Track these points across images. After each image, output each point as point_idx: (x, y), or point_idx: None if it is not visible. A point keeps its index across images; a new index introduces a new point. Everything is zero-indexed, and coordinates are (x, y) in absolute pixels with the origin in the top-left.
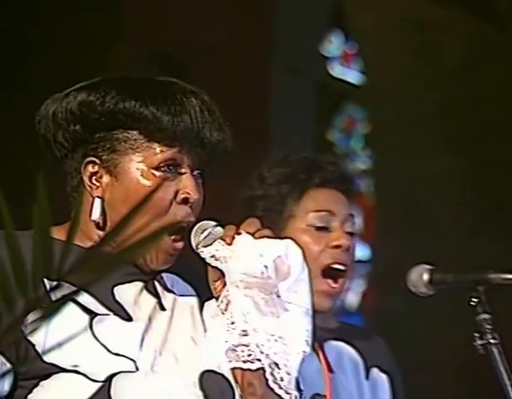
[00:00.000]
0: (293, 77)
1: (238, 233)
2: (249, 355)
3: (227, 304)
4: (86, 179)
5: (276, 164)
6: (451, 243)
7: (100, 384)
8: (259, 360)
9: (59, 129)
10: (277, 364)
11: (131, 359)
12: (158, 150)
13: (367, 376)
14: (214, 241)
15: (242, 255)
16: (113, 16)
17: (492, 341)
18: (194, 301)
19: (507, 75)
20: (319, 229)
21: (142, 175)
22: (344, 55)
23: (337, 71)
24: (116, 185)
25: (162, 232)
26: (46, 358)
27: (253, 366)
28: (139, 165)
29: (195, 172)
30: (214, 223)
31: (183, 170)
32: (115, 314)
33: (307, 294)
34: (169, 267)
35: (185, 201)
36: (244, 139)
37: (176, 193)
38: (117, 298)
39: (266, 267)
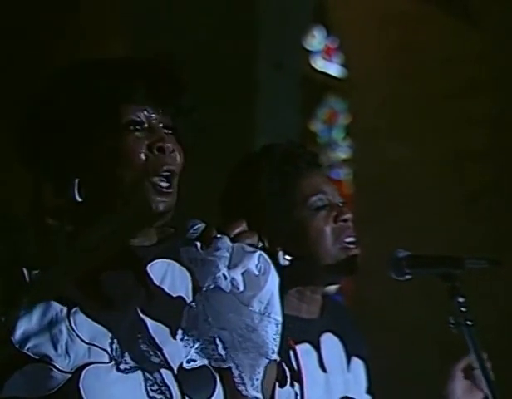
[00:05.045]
0: (278, 71)
1: (221, 233)
2: (220, 355)
3: (199, 304)
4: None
5: (259, 170)
6: (429, 229)
7: (68, 375)
8: (227, 361)
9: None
10: (243, 368)
11: (105, 350)
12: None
13: (348, 368)
14: (195, 240)
15: (210, 263)
16: (107, 14)
17: (467, 323)
18: (185, 290)
19: (481, 68)
20: (319, 208)
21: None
22: (326, 49)
23: (320, 64)
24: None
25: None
26: (19, 346)
27: (224, 365)
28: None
29: (166, 129)
30: (198, 221)
31: (151, 126)
32: (98, 303)
33: (277, 305)
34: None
35: (161, 150)
36: (231, 129)
37: (150, 146)
38: (104, 285)
39: (233, 279)
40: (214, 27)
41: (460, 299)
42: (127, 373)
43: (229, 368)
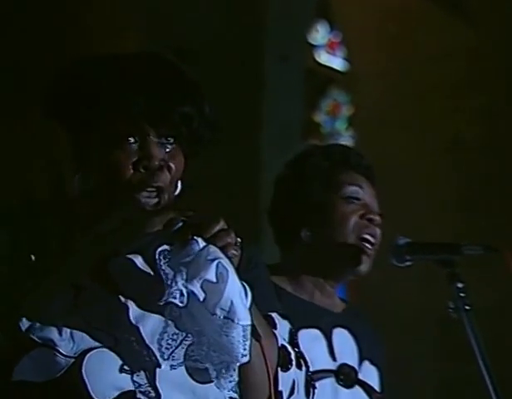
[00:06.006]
0: (283, 64)
1: (197, 235)
2: (197, 356)
3: (176, 309)
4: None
5: (312, 154)
6: (429, 218)
7: (72, 360)
8: (204, 362)
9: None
10: (218, 370)
11: (112, 334)
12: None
13: (359, 369)
14: (172, 238)
15: (172, 272)
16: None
17: (466, 307)
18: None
19: (477, 62)
20: (351, 199)
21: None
22: (329, 43)
23: (323, 58)
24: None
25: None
26: (26, 331)
27: (201, 366)
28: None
29: (163, 139)
30: (181, 218)
31: (144, 140)
32: (104, 287)
33: (240, 310)
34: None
35: (147, 168)
36: (237, 120)
37: (136, 163)
38: (111, 270)
39: (192, 292)
40: (220, 21)
41: (459, 284)
42: (131, 374)
43: (207, 369)
